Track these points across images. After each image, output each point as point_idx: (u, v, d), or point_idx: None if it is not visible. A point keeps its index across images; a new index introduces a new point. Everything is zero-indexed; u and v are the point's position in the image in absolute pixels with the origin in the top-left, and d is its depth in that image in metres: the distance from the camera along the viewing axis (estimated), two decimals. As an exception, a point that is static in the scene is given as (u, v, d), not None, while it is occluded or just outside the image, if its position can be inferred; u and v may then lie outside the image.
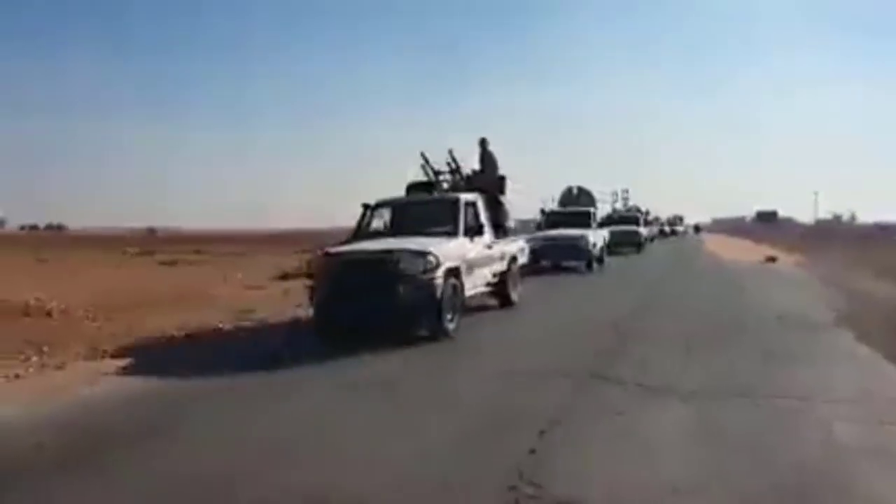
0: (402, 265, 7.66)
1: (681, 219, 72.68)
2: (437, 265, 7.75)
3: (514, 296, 10.83)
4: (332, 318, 7.90)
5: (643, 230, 32.50)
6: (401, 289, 7.50)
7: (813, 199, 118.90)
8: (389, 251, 7.88)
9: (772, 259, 22.38)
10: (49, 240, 55.27)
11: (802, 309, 10.07)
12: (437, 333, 7.79)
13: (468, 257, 8.78)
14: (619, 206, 42.73)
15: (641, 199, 50.30)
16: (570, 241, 18.66)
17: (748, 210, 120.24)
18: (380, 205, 9.95)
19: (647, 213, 45.85)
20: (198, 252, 31.46)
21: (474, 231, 9.23)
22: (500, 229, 10.80)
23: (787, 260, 22.47)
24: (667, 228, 56.96)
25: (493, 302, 10.61)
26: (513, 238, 11.60)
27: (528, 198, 34.26)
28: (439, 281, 7.71)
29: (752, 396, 5.19)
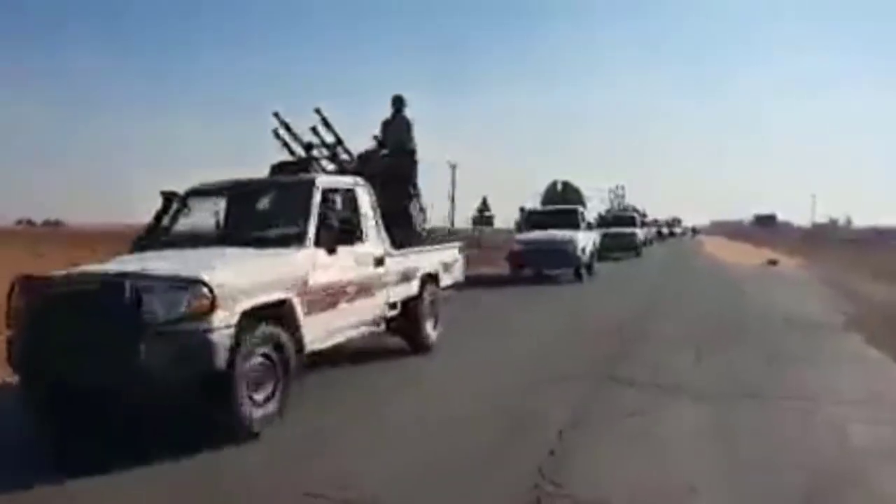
0: (144, 306, 4.07)
1: (679, 221, 72.64)
2: (214, 306, 4.15)
3: (430, 334, 7.23)
4: (43, 397, 4.46)
5: (640, 232, 29.00)
6: (142, 349, 3.98)
7: (810, 202, 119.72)
8: (122, 275, 4.27)
9: (773, 262, 22.33)
10: (46, 236, 54.82)
11: (810, 312, 10.08)
12: (236, 429, 4.30)
13: (319, 282, 5.20)
14: (612, 205, 40.20)
15: (638, 200, 48.79)
16: (556, 246, 15.66)
17: (746, 213, 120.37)
18: (198, 192, 6.19)
19: (645, 213, 43.54)
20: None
21: (337, 237, 5.46)
22: (412, 234, 7.63)
23: (788, 263, 22.44)
24: (665, 230, 56.05)
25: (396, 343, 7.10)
26: (435, 247, 7.88)
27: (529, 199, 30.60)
28: (218, 336, 4.15)
29: (764, 398, 5.17)
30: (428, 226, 9.28)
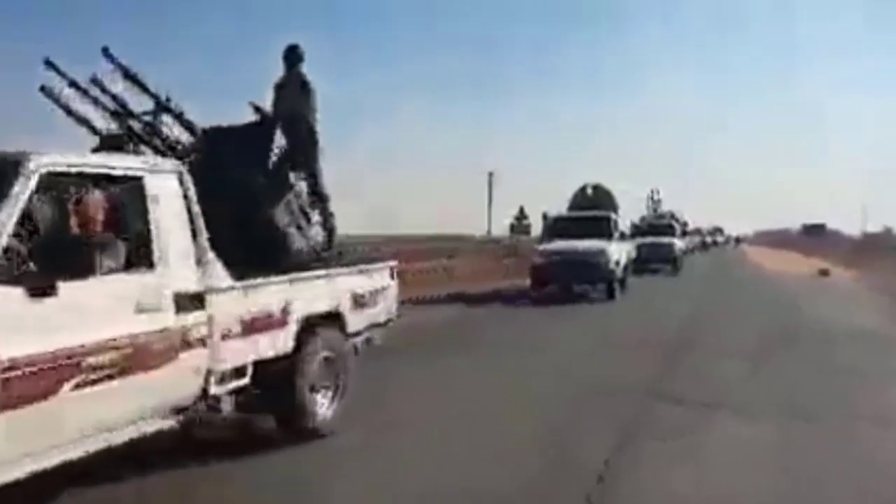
0: None
1: (720, 230, 70.93)
2: None
3: (316, 412, 4.47)
4: None
5: (679, 243, 25.34)
6: None
7: (860, 211, 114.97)
8: None
9: (825, 272, 21.31)
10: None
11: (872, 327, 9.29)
12: None
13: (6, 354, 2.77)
14: (648, 211, 36.73)
15: (678, 208, 46.92)
16: (585, 257, 13.50)
17: (793, 221, 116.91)
18: None
19: (685, 222, 40.52)
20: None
21: (66, 261, 3.07)
22: (293, 251, 4.89)
23: (843, 275, 21.33)
24: (708, 239, 54.47)
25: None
26: (338, 271, 4.92)
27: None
28: None
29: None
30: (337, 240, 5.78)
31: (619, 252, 14.55)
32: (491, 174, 35.67)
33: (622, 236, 16.04)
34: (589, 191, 19.16)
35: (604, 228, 14.84)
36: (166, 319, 3.47)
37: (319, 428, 4.47)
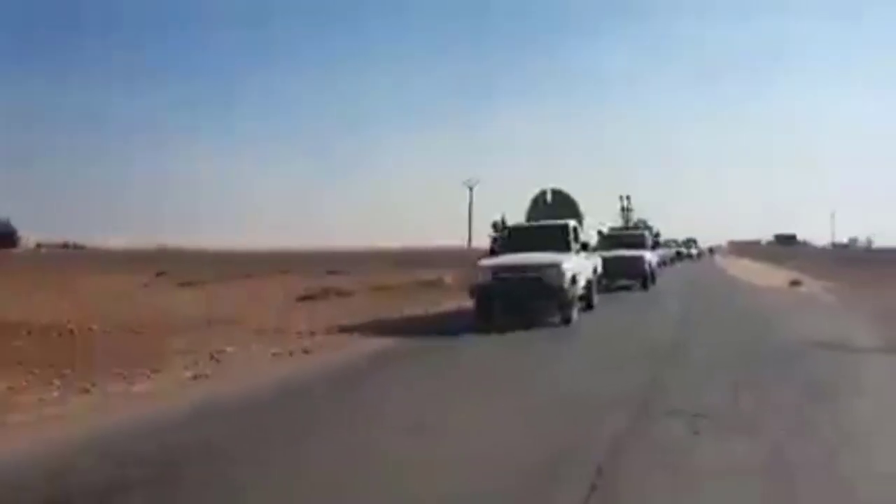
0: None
1: (694, 241, 69.92)
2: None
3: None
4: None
5: (650, 256, 22.81)
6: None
7: (829, 222, 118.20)
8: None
9: (796, 282, 21.97)
10: (73, 259, 54.99)
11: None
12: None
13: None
14: (624, 221, 34.86)
15: (652, 220, 46.42)
16: (536, 273, 11.70)
17: (764, 232, 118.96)
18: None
19: (658, 233, 38.59)
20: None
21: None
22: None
23: (816, 285, 21.96)
24: (683, 250, 54.55)
25: None
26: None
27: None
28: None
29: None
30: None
31: (578, 267, 12.83)
32: (471, 187, 35.87)
33: (585, 248, 13.95)
34: (548, 196, 16.33)
35: (561, 239, 13.11)
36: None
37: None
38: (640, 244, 23.12)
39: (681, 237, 61.85)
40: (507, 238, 14.17)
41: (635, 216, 38.10)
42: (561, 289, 11.66)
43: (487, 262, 12.87)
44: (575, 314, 11.99)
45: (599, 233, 21.84)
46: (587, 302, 13.79)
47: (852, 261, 43.56)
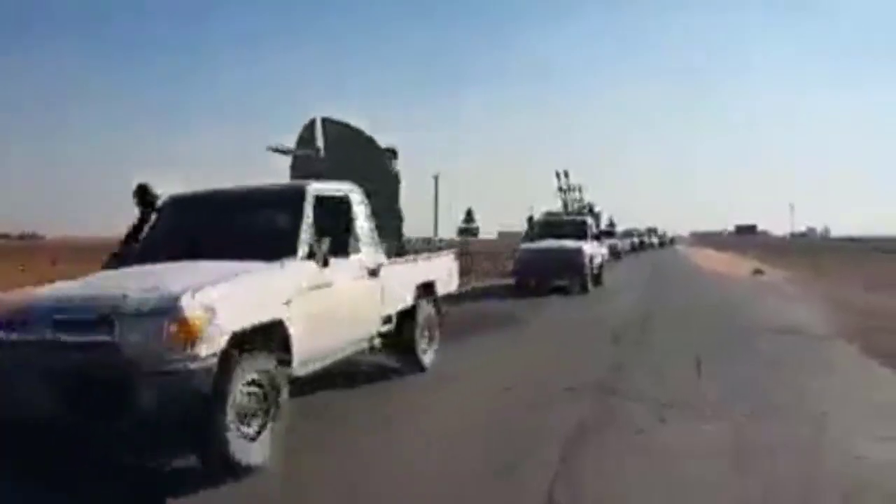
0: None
1: (654, 230, 67.06)
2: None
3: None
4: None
5: (590, 249, 16.24)
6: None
7: (788, 212, 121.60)
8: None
9: (758, 271, 22.49)
10: (25, 249, 53.38)
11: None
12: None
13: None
14: (565, 204, 26.82)
15: (616, 213, 45.14)
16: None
17: (726, 223, 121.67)
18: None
19: (611, 221, 36.58)
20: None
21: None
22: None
23: (777, 274, 22.51)
24: (645, 240, 53.15)
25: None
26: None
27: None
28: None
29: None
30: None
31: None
32: (436, 177, 35.81)
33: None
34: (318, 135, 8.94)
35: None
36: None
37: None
38: (580, 232, 17.17)
39: (643, 227, 61.19)
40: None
41: (578, 197, 27.75)
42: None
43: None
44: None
45: (530, 219, 21.39)
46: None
47: (810, 250, 44.82)
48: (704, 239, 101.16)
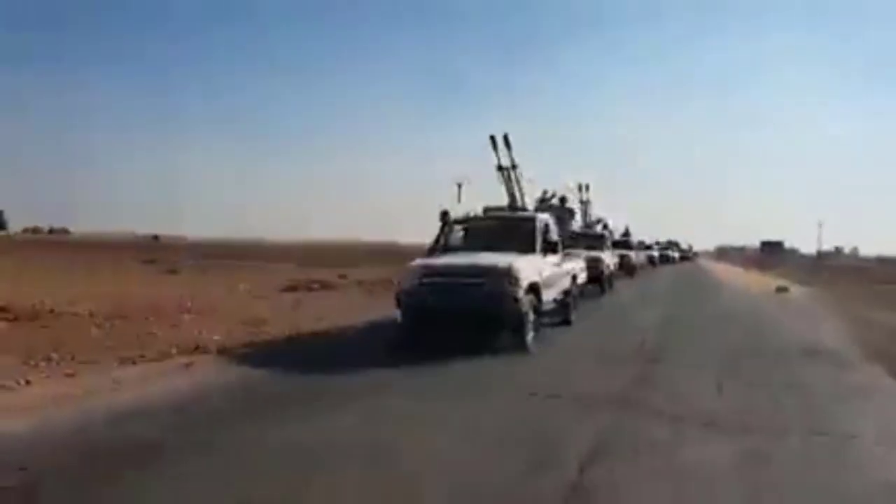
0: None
1: (676, 244, 64.12)
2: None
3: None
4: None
5: (533, 266, 9.21)
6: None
7: (816, 230, 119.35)
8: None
9: (782, 289, 22.17)
10: (58, 245, 54.35)
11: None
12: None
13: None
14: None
15: (644, 227, 40.41)
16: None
17: (751, 239, 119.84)
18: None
19: (627, 230, 32.93)
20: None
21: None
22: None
23: (803, 291, 22.16)
24: (655, 254, 43.12)
25: None
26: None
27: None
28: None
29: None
30: None
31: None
32: (460, 185, 35.78)
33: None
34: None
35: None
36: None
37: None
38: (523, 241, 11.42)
39: (664, 240, 57.59)
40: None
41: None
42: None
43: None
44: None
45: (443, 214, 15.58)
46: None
47: (837, 269, 43.99)
48: (729, 254, 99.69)
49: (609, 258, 19.31)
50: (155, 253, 41.17)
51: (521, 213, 12.15)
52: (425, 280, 8.29)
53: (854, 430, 5.11)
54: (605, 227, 25.20)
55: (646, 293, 19.98)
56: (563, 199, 20.04)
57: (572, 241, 17.02)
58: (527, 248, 9.26)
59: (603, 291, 17.84)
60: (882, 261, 67.09)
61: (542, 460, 4.19)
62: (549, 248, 9.72)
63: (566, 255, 11.33)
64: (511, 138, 14.69)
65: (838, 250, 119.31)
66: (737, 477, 4.04)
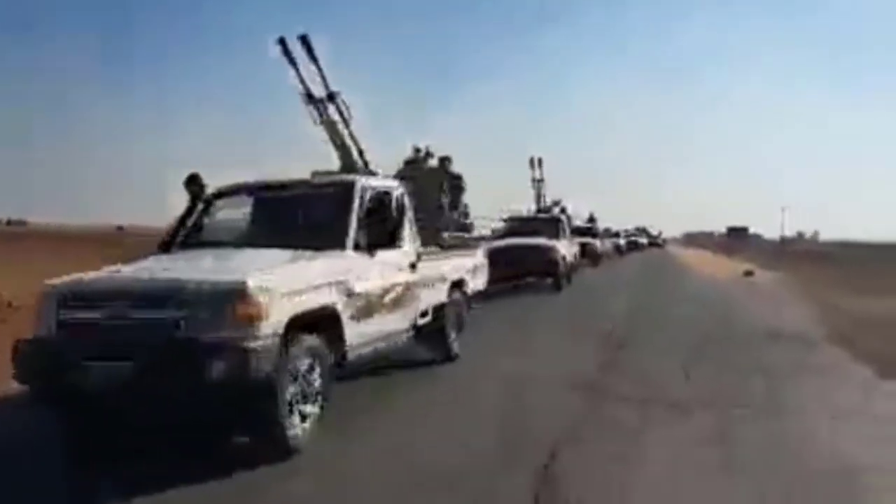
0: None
1: (645, 230, 65.32)
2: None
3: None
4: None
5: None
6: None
7: (779, 215, 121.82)
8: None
9: (749, 272, 22.71)
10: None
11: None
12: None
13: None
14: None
15: (612, 214, 41.29)
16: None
17: (718, 225, 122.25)
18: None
19: (592, 216, 30.38)
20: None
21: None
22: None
23: (767, 275, 22.66)
24: (622, 242, 41.33)
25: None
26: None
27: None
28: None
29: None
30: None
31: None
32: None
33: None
34: None
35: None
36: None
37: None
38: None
39: (632, 227, 57.44)
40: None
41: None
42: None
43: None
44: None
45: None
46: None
47: (800, 253, 45.07)
48: (696, 240, 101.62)
49: (566, 247, 16.81)
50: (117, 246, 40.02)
51: (329, 178, 6.33)
52: (68, 317, 4.12)
53: (813, 409, 5.29)
54: (563, 210, 22.27)
55: (608, 285, 18.49)
56: (444, 160, 10.28)
57: (520, 226, 16.75)
58: (329, 239, 5.05)
59: (558, 288, 15.37)
60: (845, 245, 68.98)
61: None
62: (384, 237, 5.42)
63: (455, 248, 7.73)
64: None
65: (800, 235, 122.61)
66: (699, 456, 4.19)
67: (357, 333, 4.86)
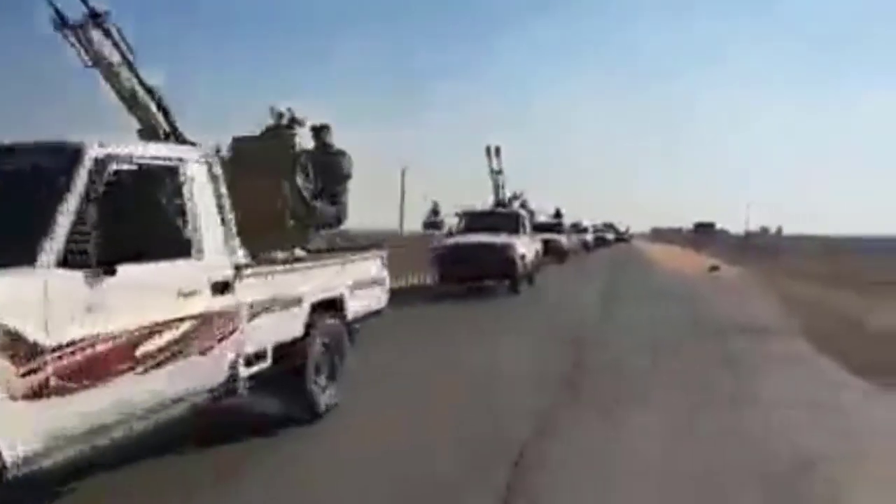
0: None
1: (612, 226, 66.53)
2: None
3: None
4: None
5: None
6: None
7: (744, 211, 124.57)
8: None
9: (715, 268, 23.34)
10: None
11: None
12: None
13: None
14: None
15: (581, 210, 42.11)
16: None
17: (685, 221, 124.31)
18: None
19: (558, 211, 30.06)
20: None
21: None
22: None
23: (732, 271, 23.26)
24: (589, 238, 40.33)
25: None
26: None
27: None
28: None
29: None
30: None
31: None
32: (403, 171, 35.53)
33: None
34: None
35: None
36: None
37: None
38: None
39: (600, 223, 57.80)
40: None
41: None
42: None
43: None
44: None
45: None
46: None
47: (763, 248, 46.29)
48: (664, 235, 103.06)
49: (526, 244, 14.88)
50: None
51: (36, 143, 3.38)
52: None
53: (776, 398, 5.65)
54: (524, 204, 20.60)
55: (574, 283, 17.75)
56: (320, 129, 6.34)
57: (476, 221, 15.15)
58: (11, 248, 2.78)
59: (515, 291, 13.73)
60: (804, 239, 71.01)
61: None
62: (153, 242, 3.30)
63: (330, 252, 5.45)
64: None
65: (764, 230, 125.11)
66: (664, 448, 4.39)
67: (34, 430, 2.63)
